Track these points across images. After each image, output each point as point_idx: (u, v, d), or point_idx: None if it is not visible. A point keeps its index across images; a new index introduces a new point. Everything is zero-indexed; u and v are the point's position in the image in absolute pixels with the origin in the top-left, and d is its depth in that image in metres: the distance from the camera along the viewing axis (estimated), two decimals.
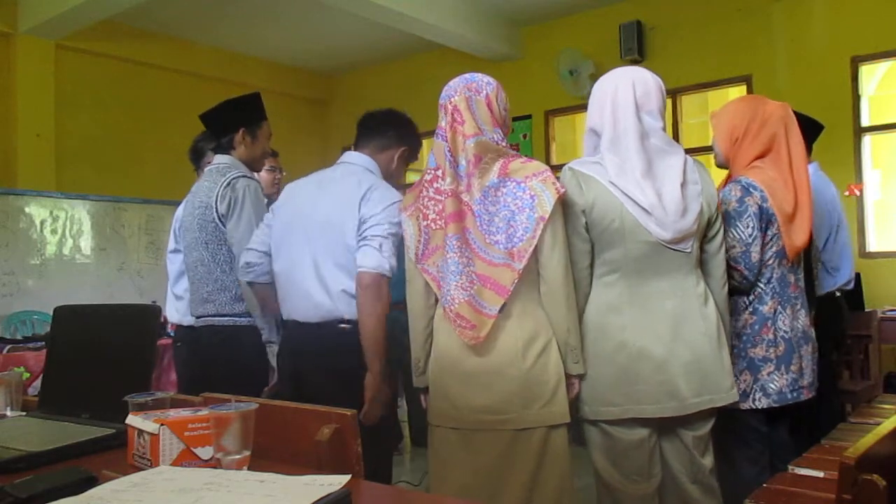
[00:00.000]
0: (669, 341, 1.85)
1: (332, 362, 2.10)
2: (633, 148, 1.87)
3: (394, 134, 2.28)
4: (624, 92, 1.92)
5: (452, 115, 1.83)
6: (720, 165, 2.34)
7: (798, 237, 2.19)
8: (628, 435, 1.89)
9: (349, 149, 2.31)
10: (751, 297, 2.18)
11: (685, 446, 1.95)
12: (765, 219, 2.14)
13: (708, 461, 1.97)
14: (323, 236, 2.13)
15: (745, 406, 2.13)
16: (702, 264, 1.97)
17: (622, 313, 1.87)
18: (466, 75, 1.90)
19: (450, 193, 1.79)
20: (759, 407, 2.15)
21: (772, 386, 2.15)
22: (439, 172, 1.83)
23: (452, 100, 1.85)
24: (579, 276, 1.89)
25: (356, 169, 2.21)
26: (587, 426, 1.96)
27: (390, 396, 2.18)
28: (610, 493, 1.94)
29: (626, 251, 1.86)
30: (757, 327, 2.17)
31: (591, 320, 1.90)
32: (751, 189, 2.14)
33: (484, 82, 1.88)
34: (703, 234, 1.95)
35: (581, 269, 1.89)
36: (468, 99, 1.84)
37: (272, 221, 2.27)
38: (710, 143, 2.39)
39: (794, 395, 2.18)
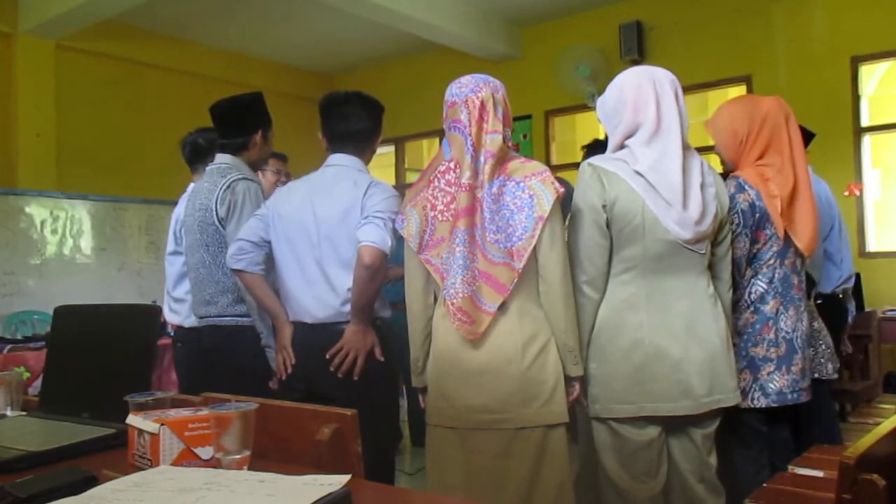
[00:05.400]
0: (684, 340, 1.86)
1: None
2: (675, 144, 1.87)
3: (367, 132, 2.26)
4: (666, 88, 1.91)
5: (480, 111, 1.82)
6: (729, 170, 2.34)
7: (804, 231, 2.19)
8: (639, 435, 1.89)
9: None
10: (753, 297, 2.19)
11: (694, 444, 1.95)
12: (756, 216, 2.15)
13: (713, 459, 1.98)
14: (327, 239, 2.14)
15: (743, 405, 2.13)
16: (710, 267, 1.98)
17: (638, 311, 1.87)
18: (478, 75, 1.90)
19: (467, 188, 1.78)
20: (757, 406, 2.15)
21: (771, 386, 2.15)
22: (452, 164, 1.83)
23: (479, 95, 1.83)
24: (597, 274, 1.89)
25: (348, 170, 2.21)
26: (596, 426, 1.95)
27: (374, 343, 2.17)
28: (617, 494, 1.93)
29: (644, 249, 1.87)
30: (758, 326, 2.17)
31: (607, 318, 1.89)
32: (744, 187, 2.16)
33: (498, 83, 1.90)
34: (714, 238, 1.97)
35: (599, 266, 1.89)
36: (493, 96, 1.84)
37: (267, 218, 2.25)
38: (709, 144, 2.40)
39: (795, 396, 2.18)
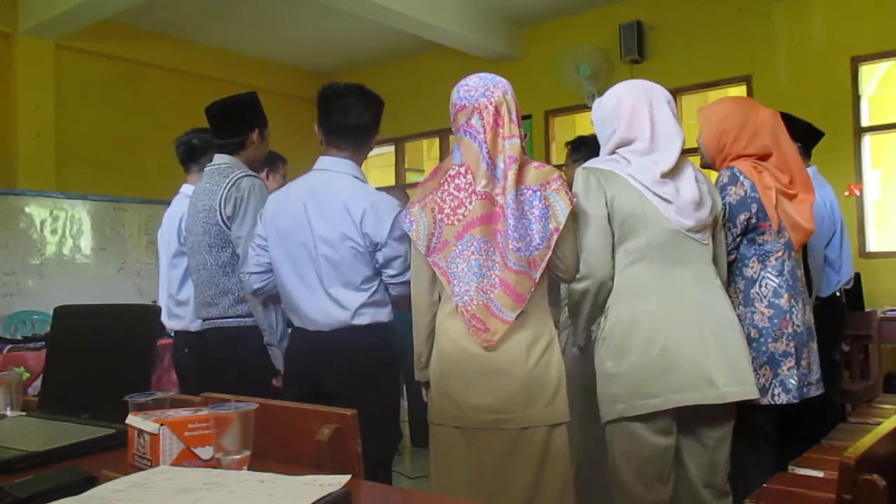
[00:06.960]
0: (699, 329, 1.86)
1: (353, 362, 2.09)
2: (675, 149, 1.91)
3: (367, 128, 2.20)
4: (661, 100, 1.96)
5: (495, 116, 1.81)
6: (705, 166, 2.35)
7: (803, 221, 2.19)
8: (655, 438, 1.87)
9: None
10: (765, 290, 2.17)
11: (704, 447, 1.94)
12: (753, 208, 2.15)
13: (725, 465, 1.96)
14: (325, 259, 2.10)
15: (763, 402, 2.11)
16: None
17: (650, 302, 1.87)
18: (485, 76, 1.88)
19: (483, 195, 1.77)
20: (778, 403, 2.13)
21: (792, 381, 2.13)
22: (462, 169, 1.82)
23: (492, 100, 1.82)
24: (604, 270, 1.90)
25: (342, 178, 2.13)
26: (611, 430, 1.92)
27: None
28: (628, 501, 1.92)
29: (649, 239, 1.88)
30: (776, 321, 2.15)
31: (619, 314, 1.89)
32: (738, 177, 2.16)
33: (506, 82, 1.89)
34: (711, 234, 1.99)
35: (605, 262, 1.90)
36: (505, 99, 1.84)
37: (265, 238, 2.20)
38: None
39: (806, 390, 2.18)
